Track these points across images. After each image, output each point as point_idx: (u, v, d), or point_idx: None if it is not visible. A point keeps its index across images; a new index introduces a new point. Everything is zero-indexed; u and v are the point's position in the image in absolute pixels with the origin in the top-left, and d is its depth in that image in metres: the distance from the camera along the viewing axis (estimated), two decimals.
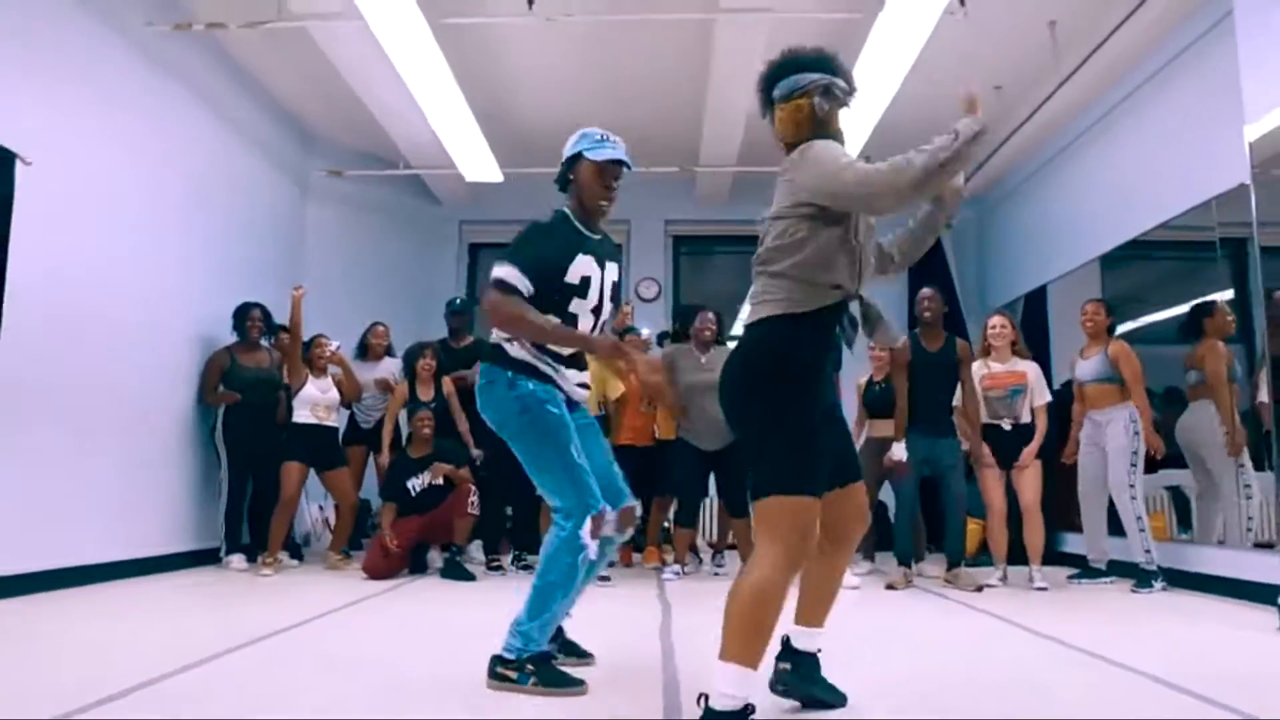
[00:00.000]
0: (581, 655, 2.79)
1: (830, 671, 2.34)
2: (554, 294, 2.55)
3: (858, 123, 6.02)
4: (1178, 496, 5.48)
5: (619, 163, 2.62)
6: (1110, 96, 5.78)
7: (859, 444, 5.35)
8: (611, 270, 2.69)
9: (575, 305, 2.58)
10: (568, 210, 2.68)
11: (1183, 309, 5.61)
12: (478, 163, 6.70)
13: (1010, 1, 5.15)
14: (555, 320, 2.54)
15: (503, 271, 2.49)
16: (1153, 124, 5.38)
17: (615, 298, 2.72)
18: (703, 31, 5.44)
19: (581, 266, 2.58)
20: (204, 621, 3.65)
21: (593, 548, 2.47)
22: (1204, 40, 4.76)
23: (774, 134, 2.37)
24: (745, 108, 6.06)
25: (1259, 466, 4.57)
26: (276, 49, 5.81)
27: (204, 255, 5.60)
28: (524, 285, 2.49)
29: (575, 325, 2.58)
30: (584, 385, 2.71)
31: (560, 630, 2.74)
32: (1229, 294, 5.02)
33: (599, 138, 2.64)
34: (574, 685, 2.44)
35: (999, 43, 5.60)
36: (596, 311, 2.64)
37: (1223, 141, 4.41)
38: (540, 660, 2.47)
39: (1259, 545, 4.54)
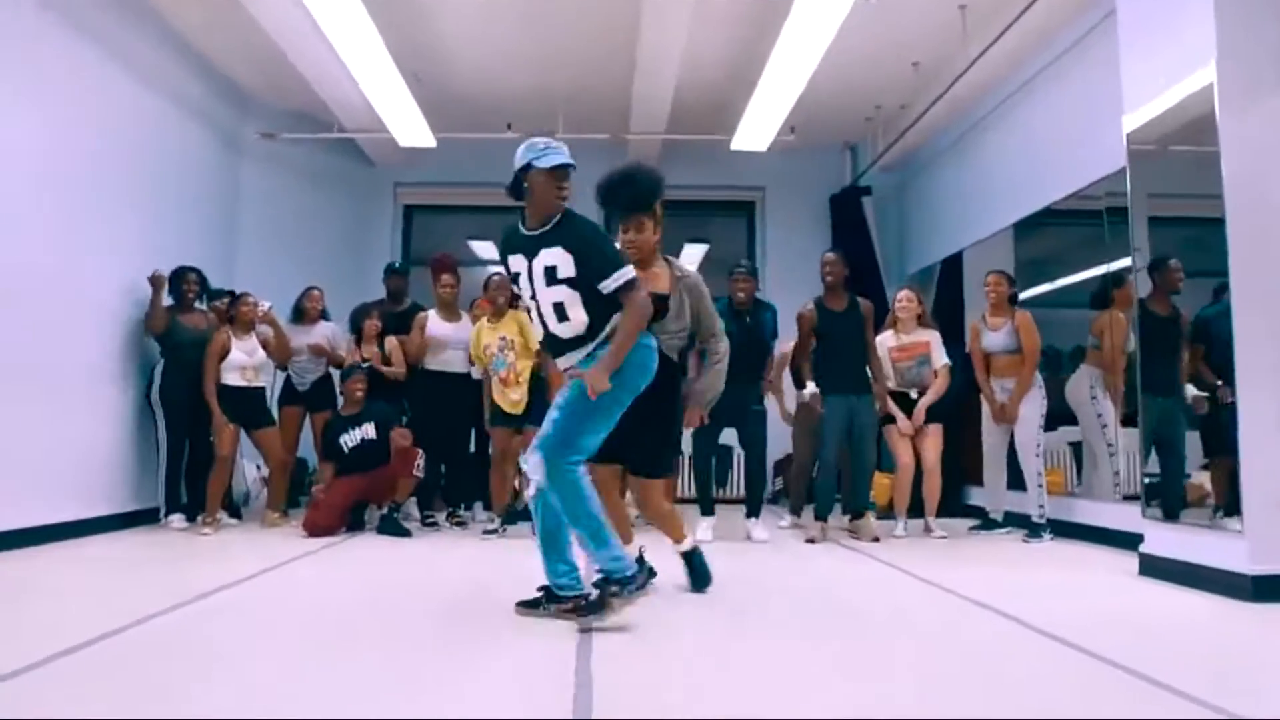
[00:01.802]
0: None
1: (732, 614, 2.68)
2: None
3: (779, 99, 6.24)
4: (1078, 453, 5.91)
5: (567, 166, 2.88)
6: (1017, 76, 6.10)
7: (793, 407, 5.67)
8: (545, 256, 2.89)
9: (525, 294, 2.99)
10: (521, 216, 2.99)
11: (1090, 273, 5.99)
12: (410, 127, 6.78)
13: None
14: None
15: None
16: (1055, 104, 5.72)
17: (557, 282, 2.88)
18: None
19: (513, 264, 2.98)
20: (144, 580, 3.79)
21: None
22: (1095, 32, 5.10)
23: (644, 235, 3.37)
24: (674, 74, 6.24)
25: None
26: (204, 7, 5.78)
27: (135, 219, 5.59)
28: None
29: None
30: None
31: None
32: (1125, 261, 5.35)
33: (542, 146, 2.89)
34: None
35: (913, 23, 5.86)
36: (534, 301, 2.94)
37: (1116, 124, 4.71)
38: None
39: (1128, 498, 4.95)
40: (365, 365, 5.71)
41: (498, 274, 5.52)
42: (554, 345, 3.00)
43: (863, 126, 7.73)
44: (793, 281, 6.93)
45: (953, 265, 7.30)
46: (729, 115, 6.98)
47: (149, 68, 5.78)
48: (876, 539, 5.03)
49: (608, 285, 2.83)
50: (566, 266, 2.86)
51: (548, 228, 2.90)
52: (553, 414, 2.89)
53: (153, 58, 5.85)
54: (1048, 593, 3.59)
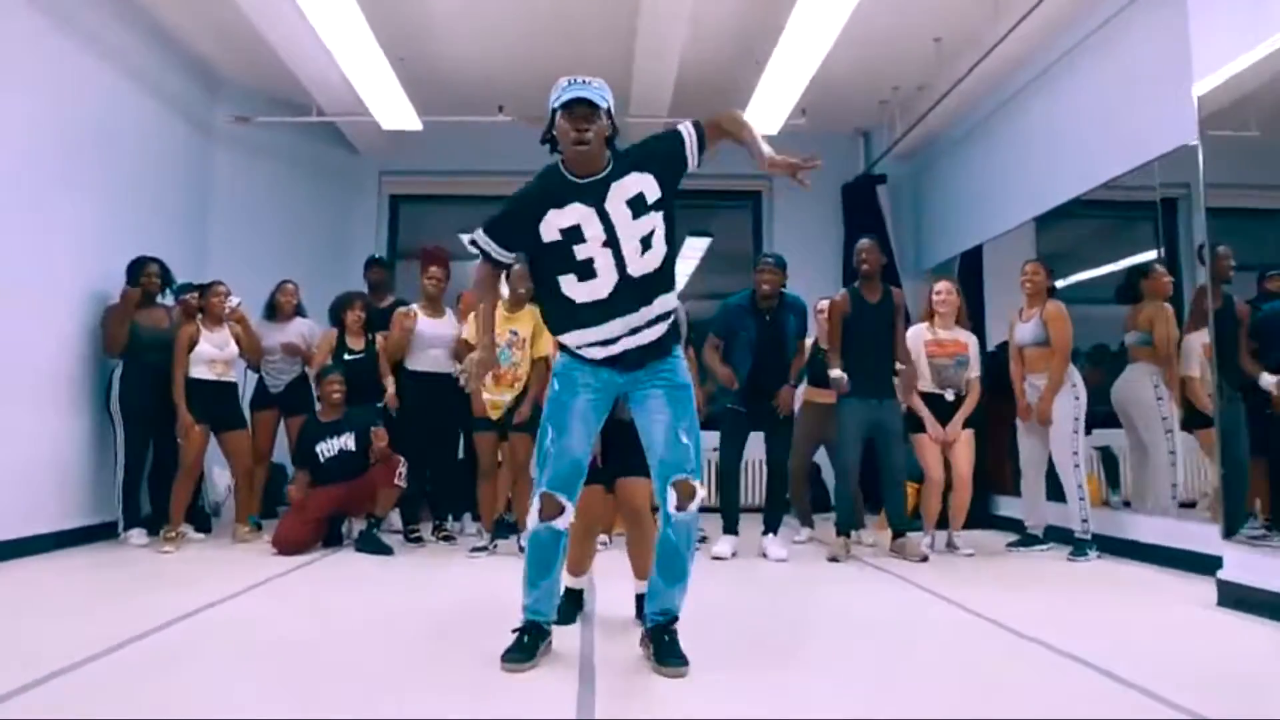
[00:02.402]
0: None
1: (769, 652, 2.49)
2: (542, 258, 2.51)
3: (793, 72, 5.79)
4: (1107, 457, 5.48)
5: (579, 101, 2.39)
6: (1052, 50, 5.62)
7: (796, 407, 5.21)
8: (625, 187, 2.43)
9: (579, 250, 2.44)
10: (559, 164, 2.50)
11: (1113, 268, 5.60)
12: (394, 109, 6.32)
13: None
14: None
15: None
16: (1097, 79, 5.23)
17: (648, 209, 2.44)
18: None
19: (558, 220, 2.44)
20: (92, 610, 3.32)
21: (529, 526, 2.53)
22: None
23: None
24: (678, 52, 5.79)
25: (1186, 428, 4.56)
26: None
27: (95, 209, 5.13)
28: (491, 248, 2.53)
29: (592, 275, 2.45)
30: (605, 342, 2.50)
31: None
32: (1151, 254, 5.02)
33: (564, 85, 2.43)
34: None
35: None
36: (611, 245, 2.42)
37: (1168, 100, 4.28)
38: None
39: (1182, 505, 4.56)
40: (361, 355, 5.27)
41: (520, 263, 5.09)
42: (625, 295, 2.44)
43: (877, 110, 7.27)
44: (803, 276, 6.41)
45: (972, 259, 6.86)
46: (736, 97, 6.51)
47: (110, 43, 5.31)
48: (925, 558, 4.56)
49: (691, 146, 2.46)
50: (650, 187, 2.44)
51: (608, 170, 2.44)
52: (681, 436, 2.47)
53: (115, 32, 5.37)
54: (1119, 629, 3.13)
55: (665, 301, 2.49)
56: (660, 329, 2.51)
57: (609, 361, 2.51)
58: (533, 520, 2.51)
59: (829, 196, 7.81)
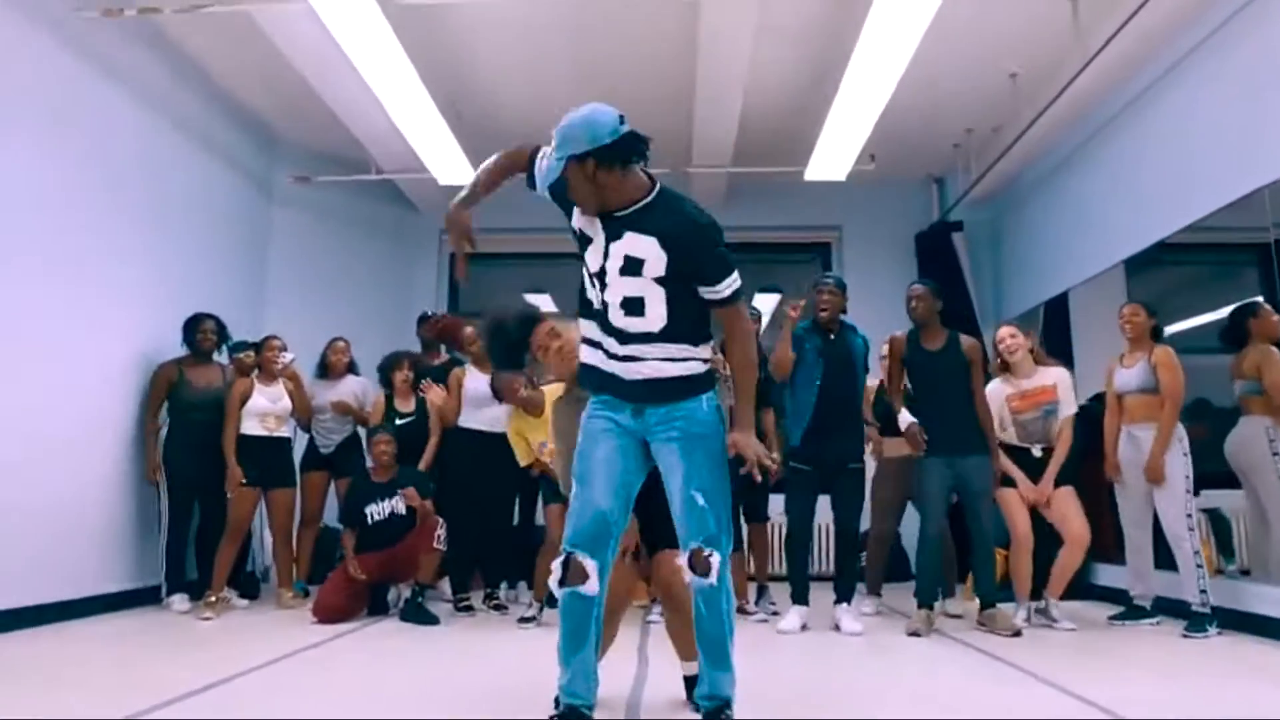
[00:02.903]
0: None
1: None
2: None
3: (858, 115, 5.53)
4: (1218, 520, 4.96)
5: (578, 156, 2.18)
6: (1141, 77, 5.25)
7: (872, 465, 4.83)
8: (629, 242, 2.19)
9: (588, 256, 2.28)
10: None
11: (1211, 316, 5.14)
12: (450, 165, 6.23)
13: None
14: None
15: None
16: (1191, 106, 4.85)
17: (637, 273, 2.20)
18: (686, 20, 4.96)
19: (579, 221, 2.28)
20: (113, 680, 3.13)
21: (553, 587, 2.24)
22: (1256, 2, 4.25)
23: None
24: (739, 99, 5.60)
25: None
26: (231, 46, 5.37)
27: (153, 265, 5.14)
28: None
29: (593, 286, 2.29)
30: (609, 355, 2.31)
31: None
32: (1259, 299, 4.57)
33: (557, 133, 2.24)
34: None
35: (1013, 22, 5.10)
36: (598, 280, 2.25)
37: (1265, 131, 3.91)
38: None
39: None
40: (412, 417, 5.11)
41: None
42: (614, 330, 2.25)
43: (950, 155, 6.95)
44: (876, 330, 6.10)
45: (1058, 308, 6.42)
46: (801, 145, 6.28)
47: (175, 108, 5.40)
48: (1018, 632, 4.10)
49: (717, 291, 2.21)
50: (656, 263, 2.17)
51: (636, 207, 2.19)
52: (696, 498, 2.20)
53: (179, 98, 5.47)
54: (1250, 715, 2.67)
55: (679, 350, 2.25)
56: (673, 370, 2.25)
57: (611, 384, 2.28)
58: (554, 585, 2.22)
59: (902, 245, 7.48)
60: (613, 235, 2.19)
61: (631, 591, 4.81)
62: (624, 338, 2.24)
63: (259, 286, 6.51)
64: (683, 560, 2.21)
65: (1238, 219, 4.50)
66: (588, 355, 2.34)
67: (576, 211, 2.25)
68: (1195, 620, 4.08)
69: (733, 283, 2.22)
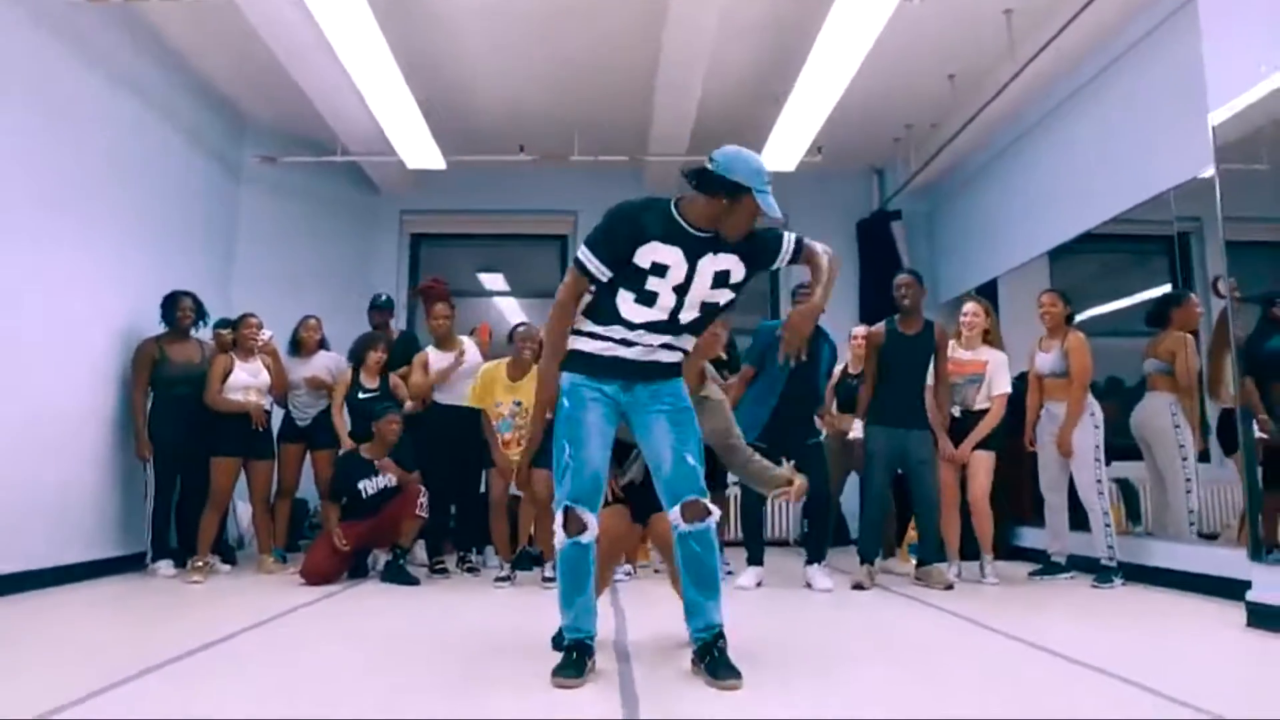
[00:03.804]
0: None
1: (808, 679, 2.48)
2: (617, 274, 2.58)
3: (810, 109, 5.90)
4: (1127, 489, 5.48)
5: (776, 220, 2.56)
6: (1066, 85, 5.74)
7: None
8: (721, 261, 2.56)
9: (653, 283, 2.54)
10: (674, 205, 2.56)
11: (1125, 302, 5.67)
12: (419, 149, 6.44)
13: None
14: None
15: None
16: (1109, 113, 5.34)
17: (726, 285, 2.60)
18: (654, 10, 5.25)
19: (654, 254, 2.52)
20: (118, 637, 3.39)
21: (556, 541, 2.55)
22: (1165, 26, 4.73)
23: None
24: (698, 91, 5.91)
25: (1203, 459, 4.60)
26: (203, 25, 5.48)
27: (123, 245, 5.25)
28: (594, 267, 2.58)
29: (650, 304, 2.56)
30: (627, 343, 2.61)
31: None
32: (1166, 288, 5.16)
33: (767, 180, 2.49)
34: None
35: (954, 29, 5.51)
36: (679, 293, 2.55)
37: (1180, 133, 4.38)
38: None
39: (1203, 536, 4.57)
40: (376, 392, 5.36)
41: (524, 324, 5.18)
42: (665, 328, 2.58)
43: (890, 148, 7.39)
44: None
45: (987, 293, 6.89)
46: (754, 136, 6.62)
47: (140, 83, 5.46)
48: (950, 586, 4.56)
49: (785, 257, 2.65)
50: (738, 270, 2.60)
51: (714, 234, 2.54)
52: (687, 458, 2.57)
53: (144, 73, 5.53)
54: (1152, 646, 3.16)
55: (688, 342, 2.69)
56: (673, 357, 2.65)
57: (615, 366, 2.59)
58: (559, 538, 2.54)
59: (843, 232, 7.90)
60: (699, 255, 2.52)
61: (635, 552, 5.23)
62: (677, 329, 2.60)
63: (227, 264, 6.65)
64: (676, 511, 2.55)
65: (1150, 213, 4.97)
66: (590, 346, 2.60)
67: (651, 247, 2.50)
68: (1103, 573, 4.60)
69: (789, 240, 2.64)
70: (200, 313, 5.33)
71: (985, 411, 4.96)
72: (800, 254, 2.65)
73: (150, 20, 5.44)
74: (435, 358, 5.33)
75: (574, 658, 2.51)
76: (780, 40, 5.73)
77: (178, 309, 5.21)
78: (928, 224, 7.94)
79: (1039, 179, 6.17)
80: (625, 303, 2.55)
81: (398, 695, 2.38)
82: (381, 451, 4.97)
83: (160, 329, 5.23)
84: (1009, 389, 5.01)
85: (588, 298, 2.65)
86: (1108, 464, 4.84)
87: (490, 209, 7.94)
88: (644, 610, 3.82)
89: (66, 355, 4.71)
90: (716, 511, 2.59)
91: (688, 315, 2.59)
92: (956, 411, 5.00)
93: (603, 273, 2.55)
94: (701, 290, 2.56)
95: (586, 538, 2.54)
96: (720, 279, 2.57)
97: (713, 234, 2.53)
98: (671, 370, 2.66)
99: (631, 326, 2.57)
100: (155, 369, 5.09)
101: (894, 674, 2.71)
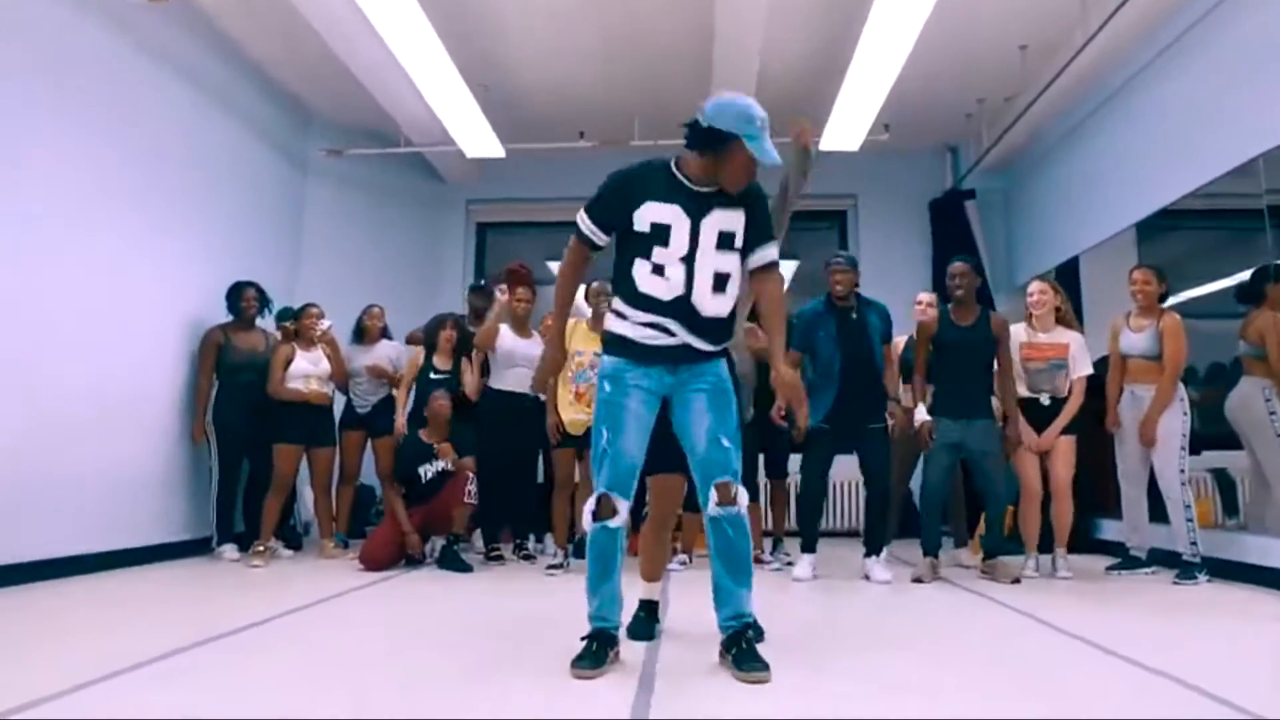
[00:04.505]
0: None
1: (836, 677, 2.36)
2: (626, 240, 2.52)
3: (870, 86, 5.69)
4: (1223, 479, 5.15)
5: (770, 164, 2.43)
6: (1145, 48, 5.38)
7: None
8: (721, 218, 2.47)
9: (658, 253, 2.46)
10: (673, 163, 2.50)
11: (1222, 284, 5.30)
12: (476, 137, 6.45)
13: None
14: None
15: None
16: (1192, 76, 5.00)
17: (731, 248, 2.50)
18: None
19: (653, 212, 2.45)
20: (177, 614, 3.47)
21: (585, 525, 2.51)
22: None
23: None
24: (754, 70, 5.76)
25: None
26: (261, 20, 5.60)
27: (196, 237, 5.41)
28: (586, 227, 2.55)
29: (662, 277, 2.47)
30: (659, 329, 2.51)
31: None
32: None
33: (760, 127, 2.38)
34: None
35: None
36: (687, 263, 2.45)
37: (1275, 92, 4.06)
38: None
39: None
40: (448, 374, 5.36)
41: (599, 281, 5.06)
42: (684, 314, 2.48)
43: (963, 124, 7.10)
44: (891, 297, 6.28)
45: (1068, 273, 6.58)
46: (815, 115, 6.43)
47: (214, 86, 5.65)
48: (1017, 580, 4.34)
49: (764, 256, 2.53)
50: (740, 230, 2.50)
51: (716, 189, 2.47)
52: (722, 440, 2.48)
53: (218, 77, 5.71)
54: (1236, 657, 2.90)
55: (722, 332, 2.57)
56: (713, 345, 2.55)
57: (657, 352, 2.50)
58: (587, 521, 2.48)
59: (916, 213, 7.65)
60: (702, 212, 2.44)
61: (692, 540, 5.16)
62: (695, 322, 2.48)
63: (294, 255, 6.79)
64: (711, 494, 2.45)
65: (1242, 185, 4.63)
66: (631, 332, 2.51)
67: (647, 208, 2.44)
68: (1185, 569, 4.31)
69: (774, 247, 2.56)
70: (264, 302, 5.46)
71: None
72: (768, 271, 2.54)
73: (210, 17, 5.58)
74: (507, 336, 5.24)
75: (594, 648, 2.45)
76: (836, 15, 5.55)
77: (242, 299, 5.33)
78: (1004, 202, 7.61)
79: (1120, 150, 5.82)
80: (641, 275, 2.48)
81: (414, 682, 2.35)
82: (439, 432, 4.98)
83: (226, 318, 5.36)
84: (1090, 370, 4.74)
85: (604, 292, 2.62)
86: (1198, 453, 4.54)
87: (555, 197, 7.91)
88: (689, 600, 3.73)
89: (136, 342, 4.85)
90: (744, 495, 2.48)
91: (701, 296, 2.47)
92: (1045, 399, 4.73)
93: (596, 234, 2.53)
94: (709, 256, 2.45)
95: (615, 522, 2.48)
96: (725, 240, 2.47)
97: (714, 189, 2.45)
98: (715, 354, 2.56)
99: (659, 309, 2.47)
100: (220, 356, 5.23)
101: (926, 671, 2.55)
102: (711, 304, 2.49)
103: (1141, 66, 5.47)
